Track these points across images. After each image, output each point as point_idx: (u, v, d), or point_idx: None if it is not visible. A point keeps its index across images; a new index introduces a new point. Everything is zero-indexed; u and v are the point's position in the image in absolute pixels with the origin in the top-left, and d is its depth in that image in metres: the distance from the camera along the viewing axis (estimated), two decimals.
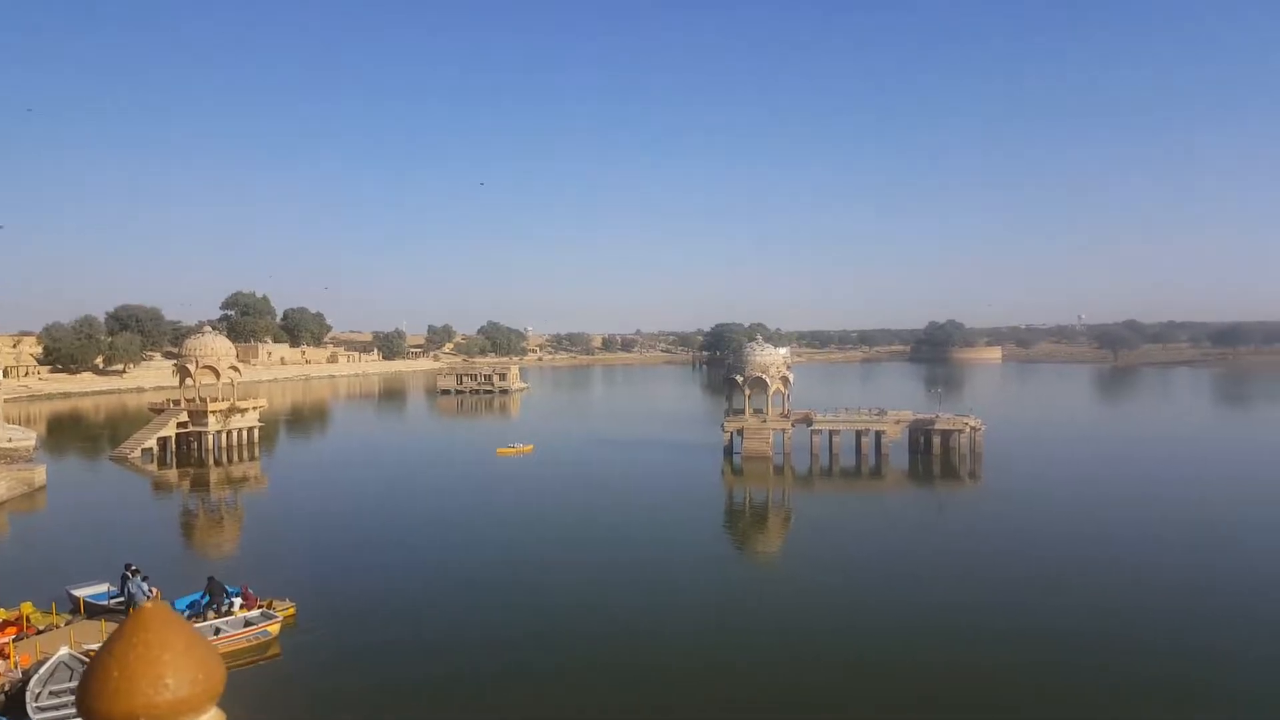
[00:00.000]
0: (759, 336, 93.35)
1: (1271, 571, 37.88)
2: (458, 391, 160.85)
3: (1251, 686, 26.00)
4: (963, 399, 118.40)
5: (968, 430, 72.50)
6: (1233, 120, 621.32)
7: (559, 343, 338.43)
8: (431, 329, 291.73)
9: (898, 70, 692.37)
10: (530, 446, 79.69)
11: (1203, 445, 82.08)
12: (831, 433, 73.88)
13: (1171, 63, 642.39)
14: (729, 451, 73.75)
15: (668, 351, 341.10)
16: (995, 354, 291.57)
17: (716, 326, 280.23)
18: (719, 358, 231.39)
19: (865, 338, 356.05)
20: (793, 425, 73.98)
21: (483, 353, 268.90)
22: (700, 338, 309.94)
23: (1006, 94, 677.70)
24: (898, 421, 74.86)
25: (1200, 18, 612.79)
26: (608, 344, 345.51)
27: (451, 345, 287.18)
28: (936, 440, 72.87)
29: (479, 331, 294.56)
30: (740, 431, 73.62)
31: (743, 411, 75.65)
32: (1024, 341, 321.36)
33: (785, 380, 75.85)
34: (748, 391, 75.14)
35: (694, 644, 29.87)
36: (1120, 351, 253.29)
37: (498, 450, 78.29)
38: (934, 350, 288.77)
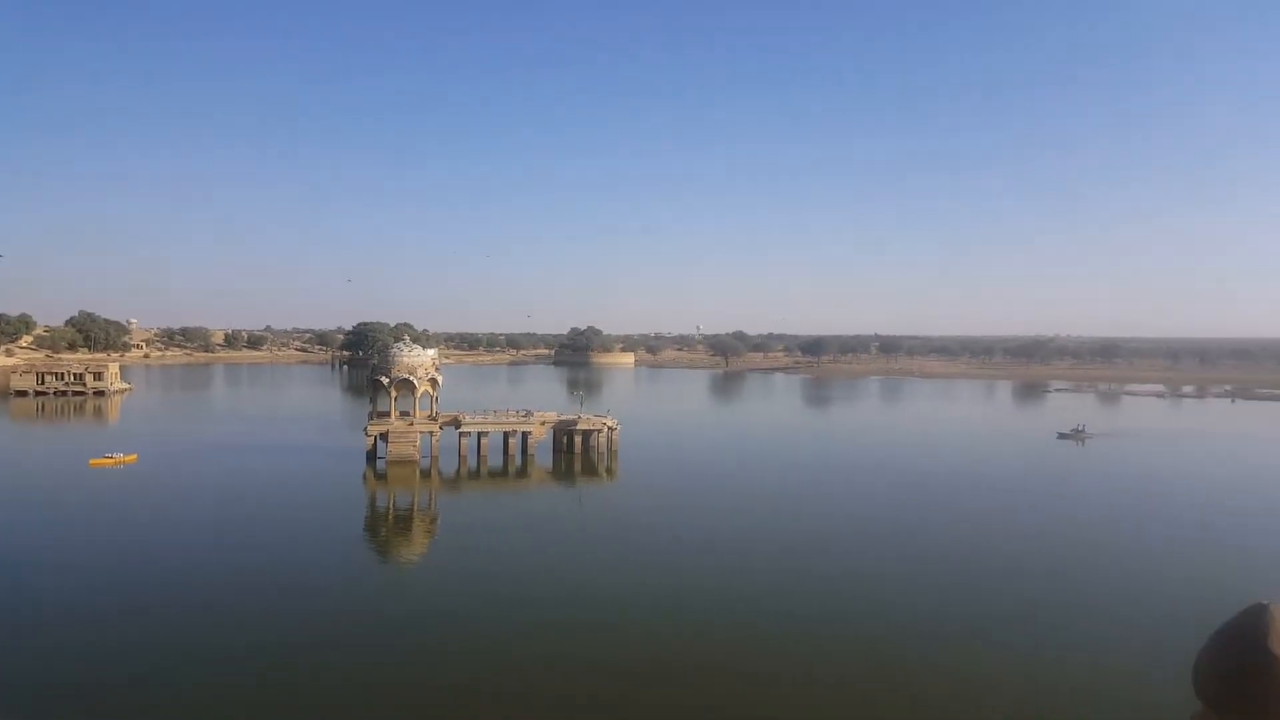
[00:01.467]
0: (406, 337, 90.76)
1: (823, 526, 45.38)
2: (38, 393, 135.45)
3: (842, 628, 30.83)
4: (601, 401, 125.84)
5: (605, 430, 77.17)
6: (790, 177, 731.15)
7: (171, 338, 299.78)
8: (2, 319, 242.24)
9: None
10: (134, 456, 69.63)
11: (793, 433, 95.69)
12: (480, 434, 74.19)
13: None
14: (372, 456, 70.73)
15: (304, 350, 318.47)
16: (629, 359, 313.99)
17: (359, 325, 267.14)
18: (361, 358, 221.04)
19: (513, 341, 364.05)
20: (441, 428, 73.06)
21: (72, 348, 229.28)
22: (341, 336, 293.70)
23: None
24: (543, 422, 77.35)
25: None
26: (231, 340, 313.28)
27: (30, 338, 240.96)
28: (578, 440, 76.50)
29: (67, 323, 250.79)
30: (385, 435, 70.98)
31: (388, 414, 73.08)
32: (653, 348, 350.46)
33: (434, 382, 74.69)
34: (394, 393, 72.75)
35: (327, 657, 28.19)
36: (730, 358, 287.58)
37: (91, 461, 67.40)
38: (575, 354, 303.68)
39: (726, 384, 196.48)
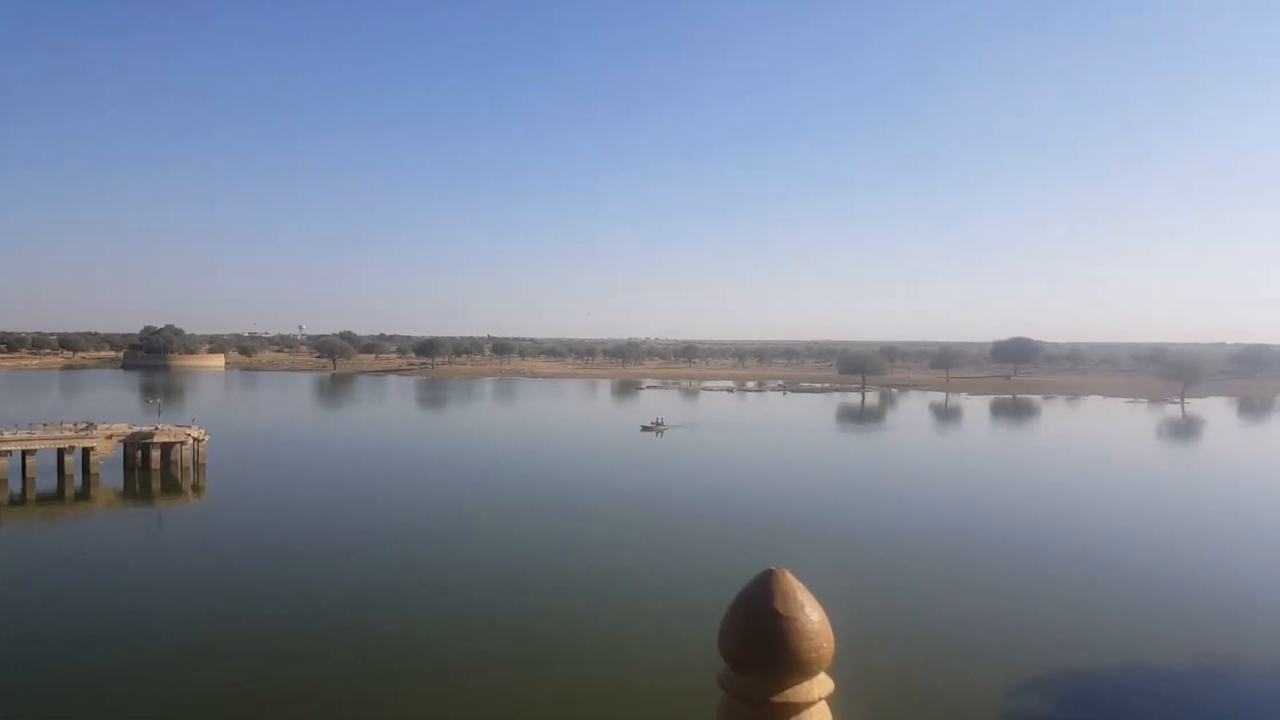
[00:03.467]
0: None
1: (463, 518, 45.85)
2: None
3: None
4: (185, 408, 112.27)
5: (190, 441, 69.17)
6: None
7: None
8: None
9: None
10: None
11: (404, 435, 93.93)
12: (25, 452, 62.01)
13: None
14: None
15: None
16: (219, 361, 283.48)
17: None
18: None
19: (69, 342, 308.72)
20: None
21: None
22: None
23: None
24: (110, 436, 67.01)
25: None
26: None
27: None
28: (156, 454, 67.55)
29: None
30: None
31: None
32: (248, 349, 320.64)
33: None
34: None
35: None
36: (338, 360, 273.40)
37: None
38: (151, 357, 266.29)
39: (335, 387, 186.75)
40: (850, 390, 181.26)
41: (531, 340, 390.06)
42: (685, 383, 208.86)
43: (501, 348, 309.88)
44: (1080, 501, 59.11)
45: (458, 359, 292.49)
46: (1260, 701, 25.92)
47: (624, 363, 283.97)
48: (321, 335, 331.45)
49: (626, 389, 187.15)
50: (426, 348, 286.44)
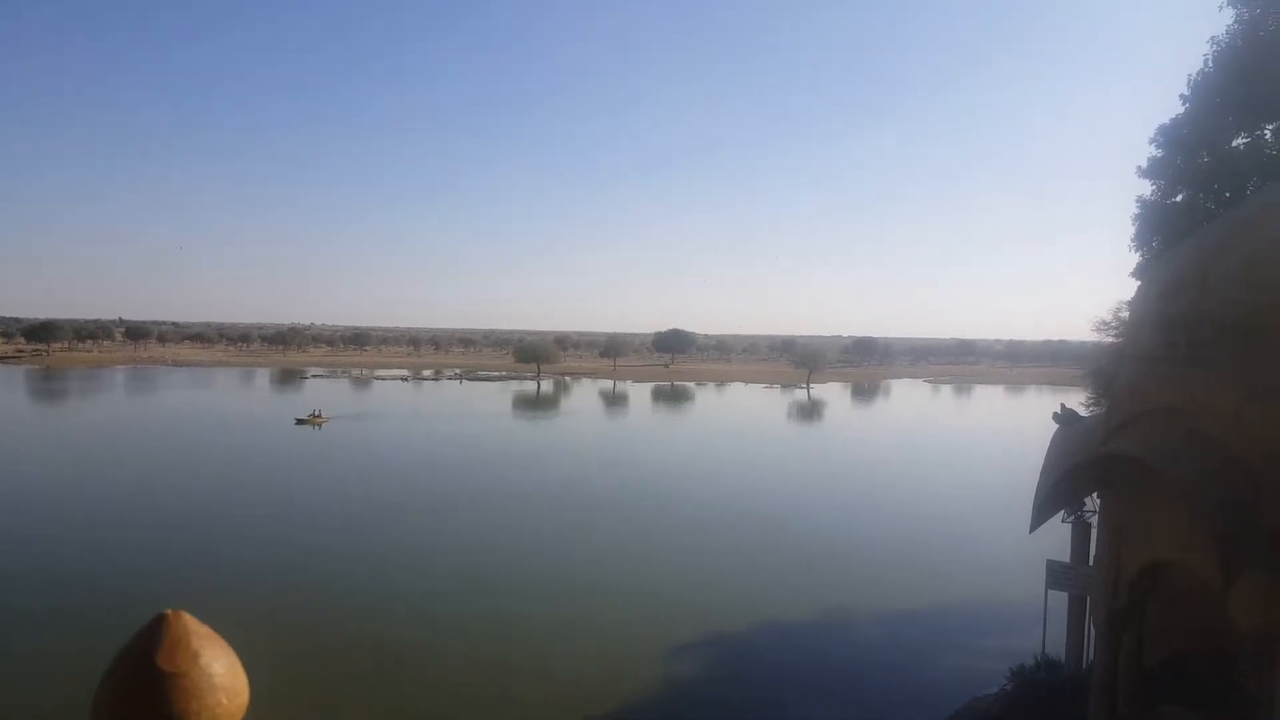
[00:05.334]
0: None
1: None
2: None
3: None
4: None
5: None
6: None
7: None
8: None
9: None
10: None
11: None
12: None
13: None
14: None
15: None
16: None
17: None
18: None
19: None
20: None
21: None
22: None
23: None
24: None
25: None
26: None
27: None
28: None
29: None
30: None
31: None
32: None
33: None
34: None
35: None
36: None
37: None
38: None
39: None
40: (526, 378, 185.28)
41: (174, 324, 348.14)
42: (355, 371, 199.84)
43: (136, 332, 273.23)
44: (715, 473, 66.12)
45: (81, 345, 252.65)
46: (869, 642, 31.04)
47: (285, 350, 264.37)
48: None
49: (289, 378, 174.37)
50: (40, 331, 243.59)
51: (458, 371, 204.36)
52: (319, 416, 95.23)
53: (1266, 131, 24.21)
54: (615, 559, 40.87)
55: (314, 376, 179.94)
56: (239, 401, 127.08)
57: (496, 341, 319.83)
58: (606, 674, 27.26)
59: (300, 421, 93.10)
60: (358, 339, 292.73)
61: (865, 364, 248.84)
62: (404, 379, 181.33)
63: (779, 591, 35.83)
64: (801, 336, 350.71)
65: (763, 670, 27.85)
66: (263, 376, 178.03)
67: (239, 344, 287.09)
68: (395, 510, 50.47)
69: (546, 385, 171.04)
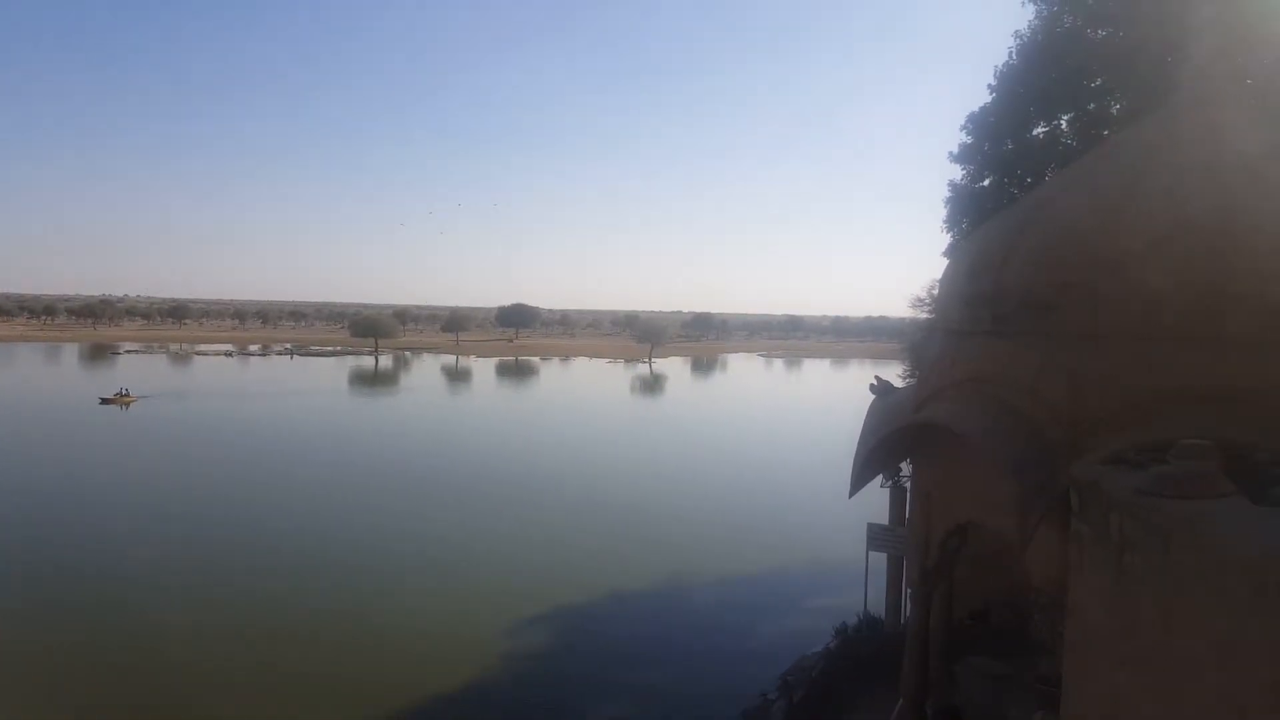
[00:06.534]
0: None
1: None
2: None
3: None
4: None
5: None
6: None
7: None
8: None
9: None
10: None
11: None
12: None
13: None
14: None
15: None
16: None
17: None
18: None
19: None
20: None
21: None
22: None
23: None
24: None
25: None
26: None
27: None
28: None
29: None
30: None
31: None
32: None
33: None
34: None
35: None
36: None
37: None
38: None
39: None
40: (363, 354, 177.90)
41: None
42: (174, 346, 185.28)
43: None
44: (559, 449, 66.18)
45: None
46: (706, 608, 31.96)
47: (95, 323, 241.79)
48: None
49: (98, 354, 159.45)
50: None
51: (288, 346, 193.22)
52: (127, 396, 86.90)
53: (1063, 121, 26.25)
54: (458, 538, 39.99)
55: (127, 352, 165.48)
56: (38, 379, 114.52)
57: (330, 315, 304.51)
58: (449, 652, 26.69)
59: (105, 401, 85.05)
60: (176, 312, 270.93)
61: (704, 338, 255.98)
62: (228, 354, 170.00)
63: (622, 563, 36.17)
64: (644, 312, 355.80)
65: (604, 640, 28.06)
66: (69, 353, 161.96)
67: (42, 317, 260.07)
68: (200, 499, 47.18)
69: (385, 361, 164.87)
